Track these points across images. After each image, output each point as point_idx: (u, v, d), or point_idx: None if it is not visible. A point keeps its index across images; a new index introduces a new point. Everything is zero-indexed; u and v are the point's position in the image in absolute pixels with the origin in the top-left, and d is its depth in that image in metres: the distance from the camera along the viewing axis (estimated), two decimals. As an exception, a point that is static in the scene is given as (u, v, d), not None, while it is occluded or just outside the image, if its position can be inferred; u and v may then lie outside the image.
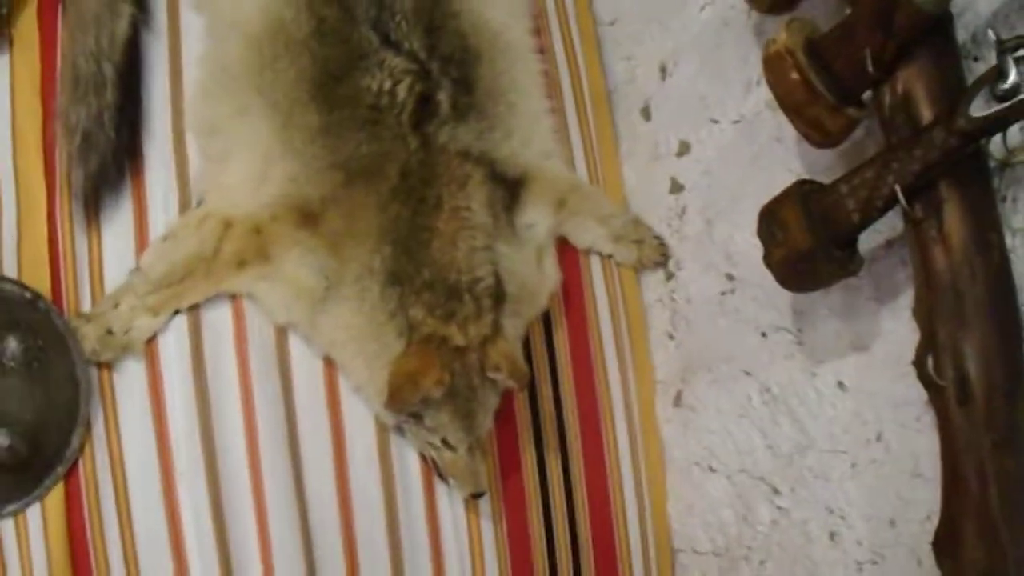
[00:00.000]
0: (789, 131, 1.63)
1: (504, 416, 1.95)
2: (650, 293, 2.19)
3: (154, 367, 1.77)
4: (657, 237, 2.14)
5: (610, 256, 2.16)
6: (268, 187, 1.77)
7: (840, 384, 1.65)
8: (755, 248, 1.63)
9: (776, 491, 1.81)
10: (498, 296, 1.83)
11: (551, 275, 2.02)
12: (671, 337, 2.13)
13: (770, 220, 1.53)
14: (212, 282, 1.76)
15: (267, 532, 1.80)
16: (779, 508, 1.81)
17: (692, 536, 2.06)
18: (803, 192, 1.48)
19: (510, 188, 1.91)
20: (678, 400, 2.09)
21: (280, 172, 1.76)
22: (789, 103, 1.49)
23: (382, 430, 1.90)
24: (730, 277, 1.93)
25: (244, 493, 1.78)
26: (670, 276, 2.13)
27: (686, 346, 2.08)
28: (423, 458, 1.95)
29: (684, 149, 2.05)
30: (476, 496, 1.90)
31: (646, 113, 2.17)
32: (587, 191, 2.14)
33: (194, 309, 1.79)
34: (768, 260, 1.54)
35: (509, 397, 1.94)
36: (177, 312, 1.77)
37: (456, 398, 1.78)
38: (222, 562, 1.76)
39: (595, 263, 2.15)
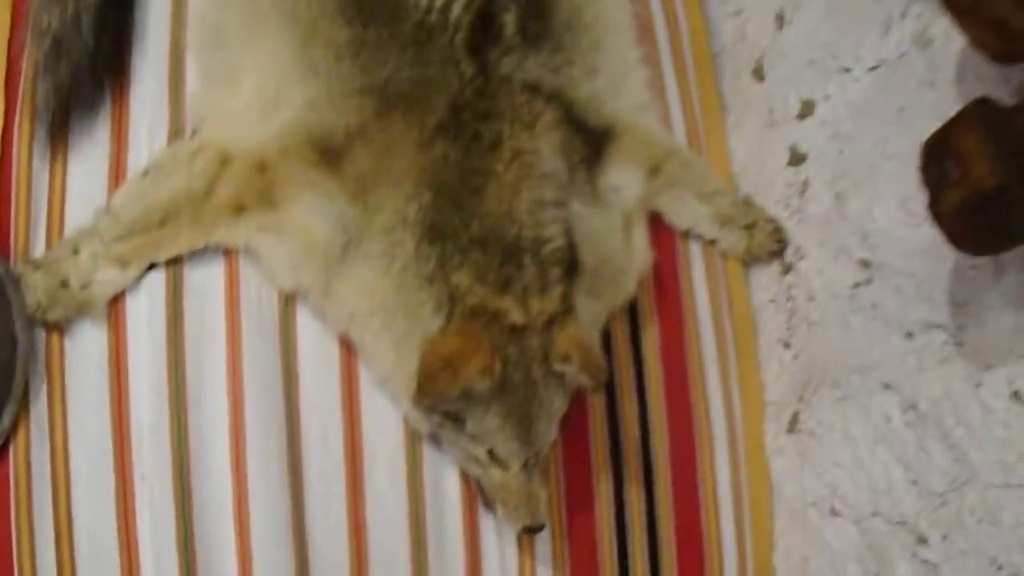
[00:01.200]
0: (945, 71, 1.42)
1: (574, 432, 1.62)
2: (761, 292, 1.87)
3: (118, 335, 1.49)
4: (771, 220, 1.80)
5: (713, 242, 1.82)
6: (280, 114, 1.49)
7: (1016, 395, 1.34)
8: (900, 224, 1.49)
9: (922, 540, 1.47)
10: (570, 265, 1.48)
11: (641, 252, 1.68)
12: (787, 345, 1.80)
13: (940, 153, 1.22)
14: (201, 231, 1.48)
15: (249, 564, 1.46)
16: (926, 563, 1.47)
17: (805, 597, 1.73)
18: (986, 112, 1.19)
19: (592, 141, 1.60)
20: (794, 424, 1.76)
21: (296, 96, 1.49)
22: (958, -1, 1.24)
23: (413, 438, 1.57)
24: (866, 264, 1.62)
25: (223, 509, 1.46)
26: (787, 268, 1.81)
27: (806, 356, 1.76)
28: (466, 479, 1.59)
29: (807, 110, 1.77)
30: (532, 531, 1.53)
31: (759, 73, 1.89)
32: (688, 159, 1.81)
33: (175, 265, 1.50)
34: (937, 209, 1.23)
35: (581, 404, 1.61)
36: (153, 267, 1.49)
37: (509, 395, 1.42)
38: None
39: (695, 249, 1.81)
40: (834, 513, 1.65)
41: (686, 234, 1.79)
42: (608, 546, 1.65)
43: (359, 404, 1.56)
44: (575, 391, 1.49)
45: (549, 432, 1.48)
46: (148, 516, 1.44)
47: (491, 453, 1.46)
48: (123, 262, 1.45)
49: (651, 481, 1.70)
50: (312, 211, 1.47)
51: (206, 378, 1.49)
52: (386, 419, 1.56)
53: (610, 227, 1.61)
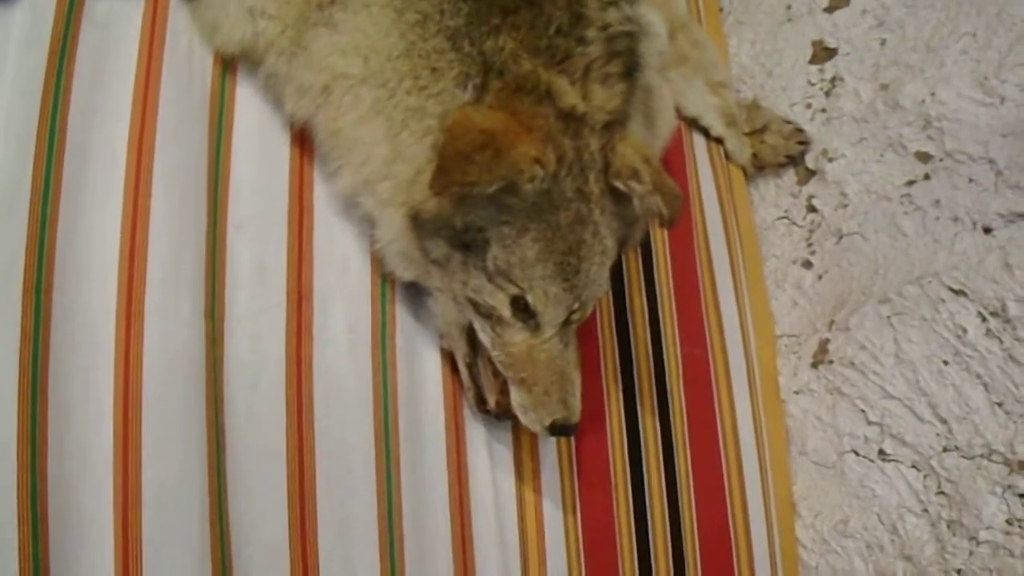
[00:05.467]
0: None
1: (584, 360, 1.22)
2: (767, 210, 1.59)
3: None
4: (789, 122, 1.54)
5: (720, 142, 1.54)
6: None
7: None
8: (975, 105, 1.34)
9: (1021, 468, 1.24)
10: (632, 66, 1.12)
11: (670, 109, 1.36)
12: (807, 265, 1.53)
13: None
14: None
15: (134, 413, 0.99)
16: (1024, 498, 1.24)
17: (841, 567, 1.38)
18: None
19: None
20: (821, 356, 1.47)
21: None
22: None
23: (384, 288, 1.15)
24: (925, 157, 1.41)
25: (99, 329, 1.01)
26: (807, 176, 1.56)
27: (836, 274, 1.50)
28: (452, 366, 1.16)
29: (839, 2, 1.58)
30: (563, 431, 1.10)
31: (771, -30, 1.72)
32: (699, 38, 1.55)
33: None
34: None
35: (591, 323, 1.25)
36: None
37: (557, 211, 1.03)
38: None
39: (702, 151, 1.52)
40: (884, 457, 1.38)
41: (692, 125, 1.51)
42: (622, 483, 1.27)
43: (312, 223, 1.15)
44: (632, 234, 1.14)
45: (599, 281, 1.10)
46: None
47: (518, 303, 1.05)
48: None
49: (667, 414, 1.34)
50: None
51: (97, 140, 1.05)
52: (349, 249, 1.15)
53: (652, 57, 1.23)
